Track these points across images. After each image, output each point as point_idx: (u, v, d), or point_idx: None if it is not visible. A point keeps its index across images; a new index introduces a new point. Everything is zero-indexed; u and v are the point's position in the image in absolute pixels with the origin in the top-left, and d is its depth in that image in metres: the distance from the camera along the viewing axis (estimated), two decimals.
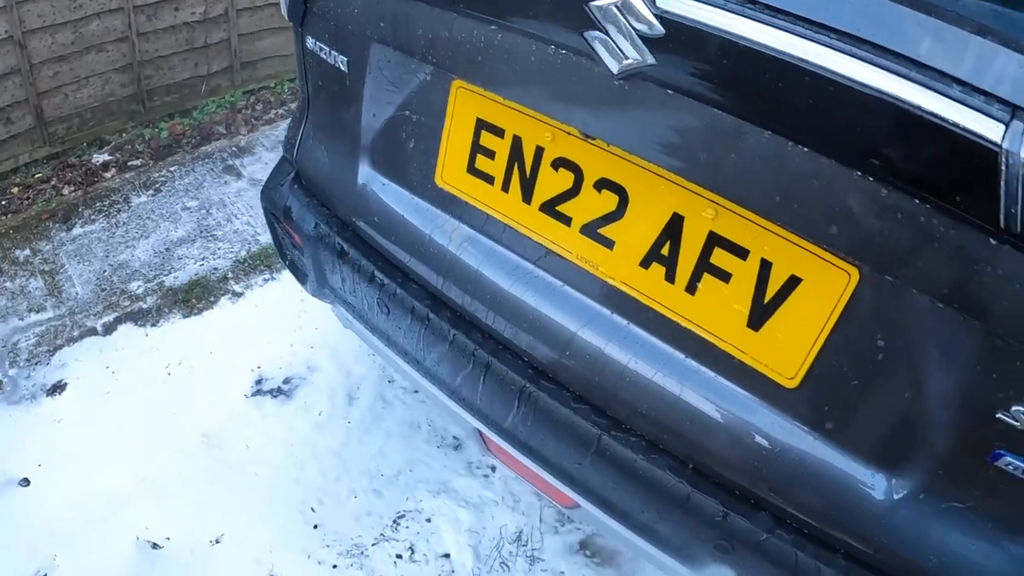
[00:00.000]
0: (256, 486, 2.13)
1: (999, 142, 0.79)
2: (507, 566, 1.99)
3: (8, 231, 3.02)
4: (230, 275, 2.84)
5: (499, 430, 1.45)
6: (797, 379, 1.10)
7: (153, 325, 2.64)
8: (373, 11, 1.36)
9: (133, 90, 3.57)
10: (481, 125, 1.31)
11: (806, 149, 0.91)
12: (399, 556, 1.99)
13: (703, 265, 1.12)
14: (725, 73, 0.94)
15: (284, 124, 3.70)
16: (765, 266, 1.07)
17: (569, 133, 1.17)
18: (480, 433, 1.58)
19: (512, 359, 1.38)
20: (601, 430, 1.28)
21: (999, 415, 0.93)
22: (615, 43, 0.98)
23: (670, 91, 0.98)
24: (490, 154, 1.32)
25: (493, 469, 2.20)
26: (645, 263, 1.17)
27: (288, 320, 2.61)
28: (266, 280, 2.83)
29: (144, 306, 2.71)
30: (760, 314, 1.10)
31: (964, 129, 0.81)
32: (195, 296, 2.75)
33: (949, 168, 0.84)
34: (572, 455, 1.34)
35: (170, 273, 2.85)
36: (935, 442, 1.01)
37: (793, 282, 1.05)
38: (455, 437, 2.30)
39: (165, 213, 3.15)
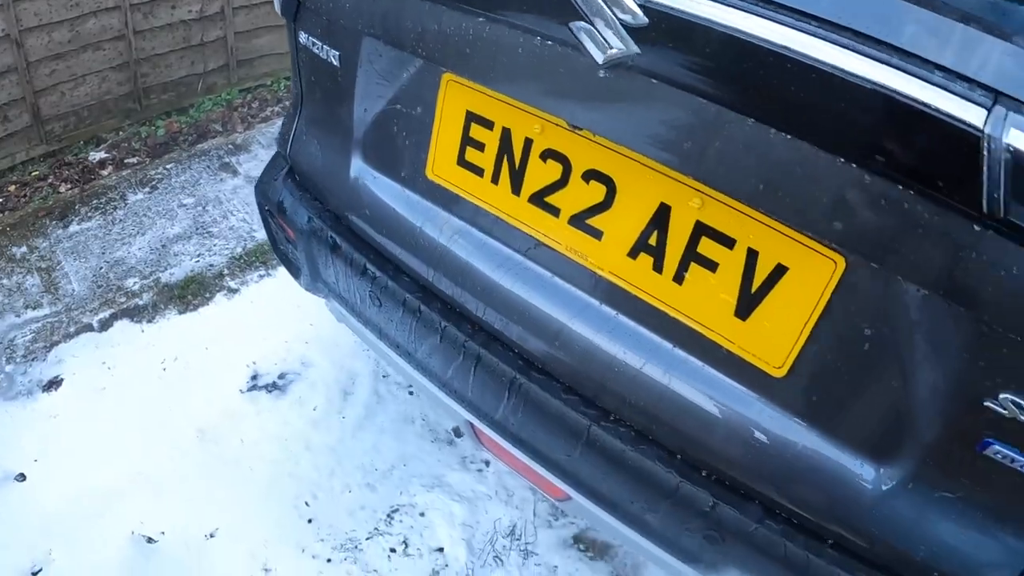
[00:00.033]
0: (251, 481, 2.13)
1: (981, 127, 0.79)
2: (501, 560, 1.99)
3: (5, 229, 3.02)
4: (226, 271, 2.85)
5: (490, 422, 1.46)
6: (785, 368, 1.10)
7: (149, 321, 2.65)
8: (364, 5, 1.36)
9: (130, 88, 3.58)
10: (471, 118, 1.32)
11: (789, 137, 0.92)
12: (393, 550, 2.00)
13: (690, 255, 1.12)
14: (708, 62, 0.94)
15: (280, 122, 3.69)
16: (751, 255, 1.07)
17: (557, 125, 1.18)
18: (472, 426, 1.59)
19: (502, 350, 1.39)
20: (591, 421, 1.29)
21: (987, 403, 0.93)
22: (600, 33, 0.99)
23: (655, 80, 0.99)
24: (480, 146, 1.32)
25: (487, 463, 2.21)
26: (633, 253, 1.18)
27: (283, 316, 2.62)
28: (261, 276, 2.84)
29: (140, 302, 2.72)
30: (747, 303, 1.10)
31: (946, 115, 0.81)
32: (191, 292, 2.76)
33: (932, 154, 0.85)
34: (562, 446, 1.35)
35: (166, 270, 2.86)
36: (924, 431, 1.01)
37: (780, 271, 1.06)
38: (449, 432, 2.30)
39: (161, 210, 3.15)
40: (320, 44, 1.52)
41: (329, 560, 1.97)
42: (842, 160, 0.89)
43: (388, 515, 2.07)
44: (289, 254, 1.86)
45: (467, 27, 1.20)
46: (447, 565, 1.98)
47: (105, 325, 2.63)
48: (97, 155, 3.49)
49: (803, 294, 1.04)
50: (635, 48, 0.96)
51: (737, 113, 0.94)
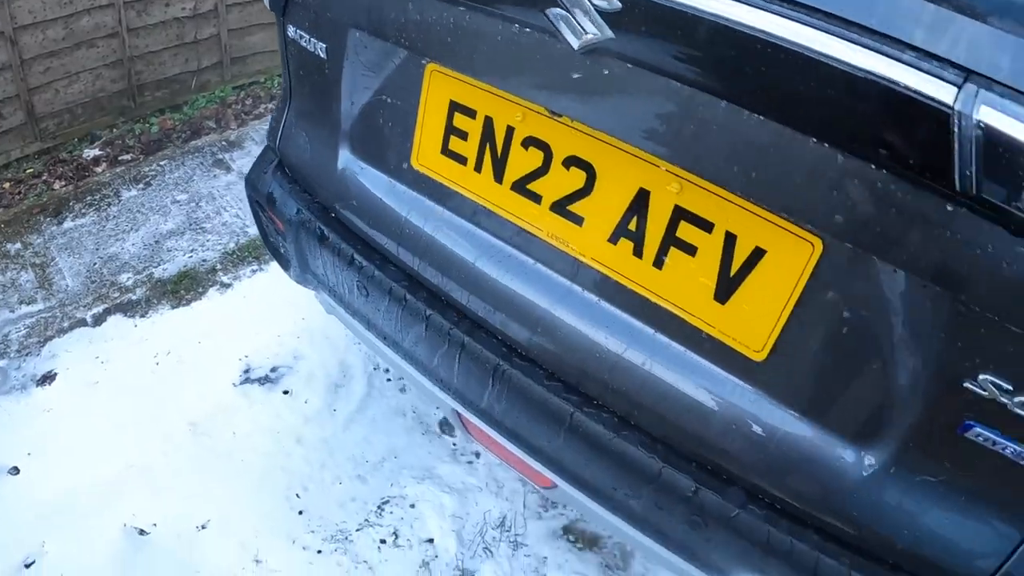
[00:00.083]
0: (242, 473, 2.14)
1: (951, 104, 0.80)
2: (490, 551, 2.00)
3: (0, 226, 3.03)
4: (218, 267, 2.86)
5: (476, 410, 1.46)
6: (764, 352, 1.11)
7: (142, 316, 2.66)
8: None
9: (124, 86, 3.59)
10: (454, 107, 1.33)
11: (761, 118, 0.92)
12: (383, 541, 2.01)
13: (669, 239, 1.13)
14: (679, 45, 0.95)
15: None
16: (730, 239, 1.08)
17: (538, 112, 1.19)
18: (459, 415, 1.59)
19: (486, 338, 1.40)
20: (573, 407, 1.29)
21: (967, 384, 0.93)
22: (575, 19, 1.00)
23: (629, 65, 1.00)
24: (463, 135, 1.33)
25: (477, 455, 2.22)
26: (613, 239, 1.19)
27: (276, 310, 2.63)
28: (254, 271, 2.85)
29: (133, 297, 2.73)
30: (726, 287, 1.11)
31: (916, 93, 0.81)
32: (184, 287, 2.77)
33: (903, 133, 0.85)
34: (546, 433, 1.35)
35: (159, 265, 2.87)
36: (904, 414, 1.01)
37: (758, 254, 1.06)
38: (440, 424, 2.31)
39: (155, 206, 3.17)
40: (308, 37, 1.53)
41: (319, 551, 1.98)
42: (814, 141, 0.90)
43: (378, 507, 2.08)
44: (279, 246, 1.87)
45: (448, 17, 1.22)
46: (437, 556, 1.99)
47: (98, 320, 2.64)
48: (91, 152, 3.50)
49: (781, 277, 1.05)
50: (609, 33, 0.97)
51: (709, 95, 0.95)
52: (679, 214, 1.11)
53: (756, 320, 1.10)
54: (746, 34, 0.89)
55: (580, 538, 2.05)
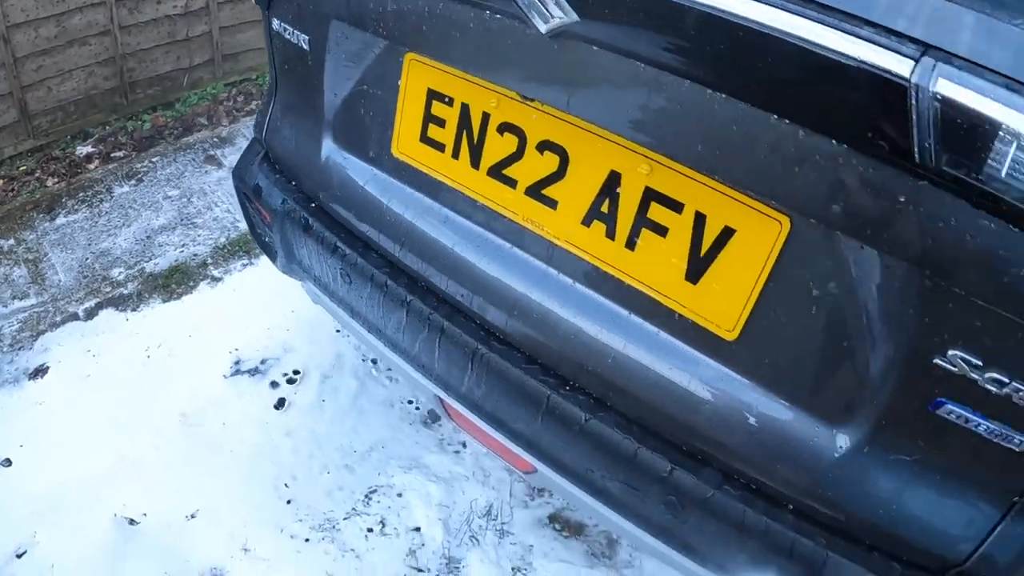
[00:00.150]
0: (232, 463, 2.16)
1: (908, 76, 0.81)
2: (477, 539, 2.02)
3: None
4: (209, 261, 2.88)
5: (457, 394, 1.48)
6: (736, 331, 1.12)
7: (133, 310, 2.68)
8: None
9: (116, 83, 3.61)
10: (432, 95, 1.35)
11: (724, 97, 0.94)
12: (370, 530, 2.02)
13: (641, 220, 1.14)
14: (642, 27, 0.97)
15: None
16: (699, 219, 1.09)
17: (511, 98, 1.21)
18: (442, 402, 1.61)
19: (465, 322, 1.41)
20: (550, 389, 1.31)
21: (936, 361, 0.94)
22: (543, 4, 1.02)
23: (595, 48, 1.01)
24: (441, 123, 1.35)
25: (464, 445, 2.24)
26: (587, 221, 1.20)
27: (266, 304, 2.64)
28: (244, 265, 2.87)
29: (125, 292, 2.75)
30: (697, 267, 1.12)
31: (874, 67, 0.83)
32: (175, 281, 2.79)
33: (862, 107, 0.86)
34: (524, 416, 1.36)
35: (151, 260, 2.89)
36: (876, 392, 1.02)
37: (727, 233, 1.07)
38: (427, 415, 2.33)
39: (147, 202, 3.18)
40: (291, 30, 1.55)
41: (307, 540, 1.99)
42: (775, 118, 0.92)
43: (366, 496, 2.10)
44: (266, 237, 1.89)
45: (424, 5, 1.24)
46: (423, 544, 2.00)
47: (90, 314, 2.65)
48: (84, 149, 3.52)
49: (751, 256, 1.06)
50: (575, 16, 0.99)
51: (673, 76, 0.97)
52: (649, 195, 1.12)
53: (727, 300, 1.11)
54: (706, 13, 0.90)
55: (566, 526, 2.07)
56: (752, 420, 1.14)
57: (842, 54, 0.84)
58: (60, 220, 3.08)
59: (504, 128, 1.25)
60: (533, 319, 1.31)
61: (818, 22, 0.85)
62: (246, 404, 2.33)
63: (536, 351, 1.34)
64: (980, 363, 0.91)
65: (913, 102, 0.81)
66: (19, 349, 2.51)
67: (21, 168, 3.38)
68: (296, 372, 2.43)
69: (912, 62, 0.81)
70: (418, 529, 2.03)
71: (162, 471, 2.13)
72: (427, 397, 1.76)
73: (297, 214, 1.67)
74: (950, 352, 0.92)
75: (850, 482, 1.08)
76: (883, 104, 0.84)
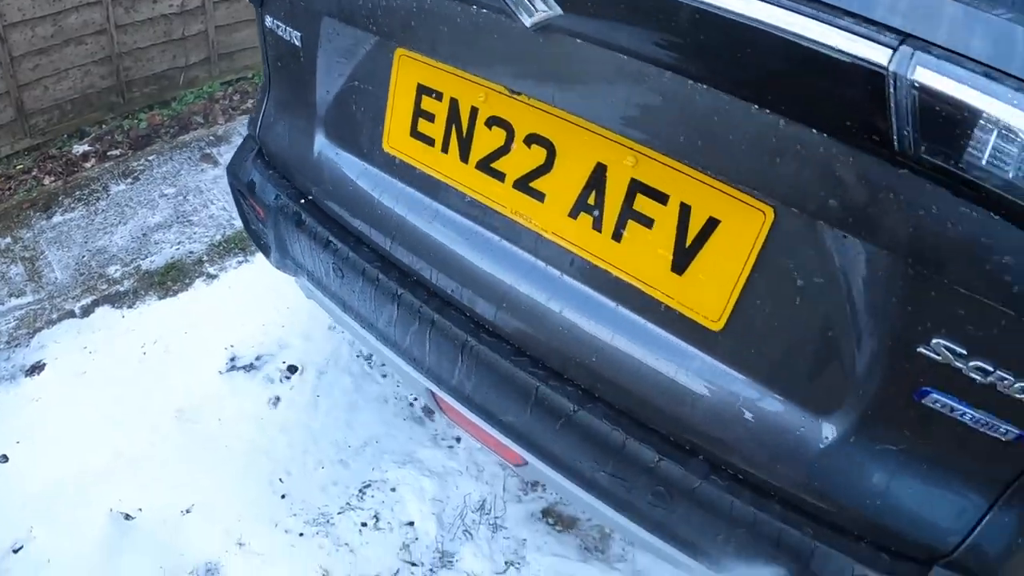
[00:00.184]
0: (227, 459, 2.17)
1: (886, 65, 0.82)
2: (470, 534, 2.03)
3: None
4: (205, 258, 2.89)
5: (448, 387, 1.49)
6: (722, 321, 1.12)
7: (129, 307, 2.69)
8: None
9: (112, 82, 3.62)
10: (422, 90, 1.36)
11: (705, 88, 0.95)
12: (364, 524, 2.03)
13: (627, 212, 1.15)
14: (623, 18, 0.98)
15: None
16: (684, 210, 1.10)
17: (499, 92, 1.22)
18: (435, 396, 1.62)
19: (455, 315, 1.42)
20: (539, 381, 1.31)
21: (920, 349, 0.94)
22: None
23: (579, 41, 1.02)
24: (430, 117, 1.36)
25: (458, 440, 2.25)
26: (573, 213, 1.21)
27: (261, 300, 2.66)
28: (240, 262, 2.88)
29: (121, 289, 2.76)
30: (683, 258, 1.13)
31: (852, 56, 0.83)
32: (171, 279, 2.80)
33: (841, 96, 0.87)
34: (514, 408, 1.37)
35: (147, 257, 2.90)
36: (862, 381, 1.02)
37: (712, 224, 1.08)
38: (422, 410, 2.34)
39: (143, 200, 3.20)
40: (284, 27, 1.56)
41: (301, 534, 2.01)
42: (756, 108, 0.92)
43: (360, 491, 2.11)
44: (259, 232, 1.90)
45: (411, 1, 1.25)
46: (417, 539, 2.01)
47: (87, 311, 2.66)
48: (80, 148, 3.52)
49: (735, 246, 1.06)
50: (558, 9, 1.00)
51: (655, 67, 0.97)
52: (635, 187, 1.13)
53: (712, 290, 1.11)
54: (686, 5, 0.91)
55: (559, 520, 2.08)
56: (738, 410, 1.14)
57: (821, 43, 0.85)
58: (57, 218, 3.09)
59: (492, 122, 1.26)
60: (521, 311, 1.32)
61: (797, 12, 0.86)
62: (241, 400, 2.34)
63: (524, 343, 1.34)
64: (964, 352, 0.92)
65: (891, 90, 0.82)
66: (16, 346, 2.52)
67: (18, 167, 3.39)
68: (291, 368, 2.44)
69: (890, 51, 0.82)
70: (412, 523, 2.04)
71: (158, 467, 2.14)
72: (420, 392, 1.77)
73: (290, 209, 1.68)
74: (934, 341, 0.93)
75: (837, 472, 1.09)
76: (862, 93, 0.84)
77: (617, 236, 1.18)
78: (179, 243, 2.97)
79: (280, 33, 1.58)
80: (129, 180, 3.31)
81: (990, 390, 0.92)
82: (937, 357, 0.93)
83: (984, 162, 0.80)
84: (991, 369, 0.91)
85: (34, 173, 3.36)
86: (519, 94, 1.18)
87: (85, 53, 3.45)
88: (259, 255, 2.76)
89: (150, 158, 3.45)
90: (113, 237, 2.99)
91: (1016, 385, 0.90)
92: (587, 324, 1.25)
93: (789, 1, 0.87)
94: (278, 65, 1.67)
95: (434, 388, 1.54)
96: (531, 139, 1.22)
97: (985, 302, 0.88)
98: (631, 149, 1.10)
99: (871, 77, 0.83)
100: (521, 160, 1.25)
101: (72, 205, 3.16)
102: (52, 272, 2.83)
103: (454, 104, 1.31)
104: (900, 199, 0.88)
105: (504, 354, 1.35)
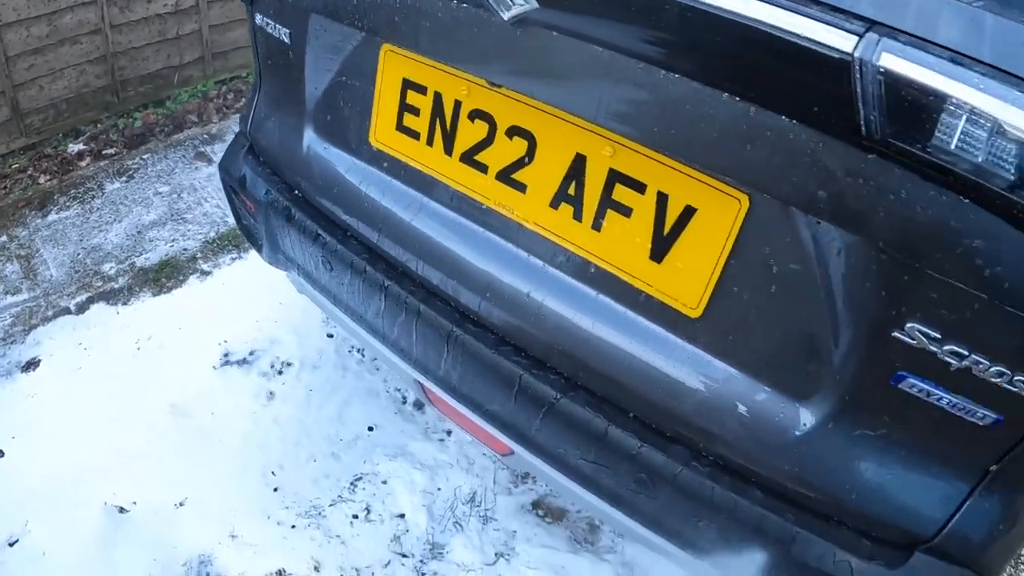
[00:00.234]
0: (220, 453, 2.19)
1: (851, 52, 0.84)
2: (460, 525, 2.05)
3: None
4: (199, 255, 2.92)
5: (435, 378, 1.51)
6: (700, 308, 1.14)
7: (124, 304, 2.71)
8: None
9: (107, 81, 3.63)
10: (407, 85, 1.38)
11: (677, 77, 0.97)
12: (355, 516, 2.05)
13: (606, 202, 1.17)
14: (596, 10, 1.00)
15: None
16: (662, 198, 1.11)
17: (481, 85, 1.24)
18: (423, 388, 1.64)
19: (441, 305, 1.44)
20: (522, 369, 1.33)
21: (895, 334, 0.95)
22: None
23: (555, 33, 1.04)
24: (415, 111, 1.38)
25: (448, 433, 2.27)
26: (554, 204, 1.23)
27: (254, 296, 2.68)
28: (233, 259, 2.90)
29: (116, 286, 2.78)
30: (661, 246, 1.15)
31: (818, 43, 0.85)
32: (165, 275, 2.82)
33: (808, 83, 0.88)
34: (499, 397, 1.40)
35: (141, 254, 2.92)
36: (839, 367, 1.03)
37: (689, 212, 1.10)
38: (412, 404, 2.36)
39: (138, 198, 3.22)
40: (273, 24, 1.58)
41: (293, 526, 2.02)
42: (727, 95, 0.94)
43: (351, 483, 2.13)
44: (251, 227, 1.92)
45: None
46: (408, 530, 2.03)
47: (82, 308, 2.68)
48: (75, 147, 3.54)
49: (712, 234, 1.08)
50: (535, 3, 1.02)
51: (629, 58, 0.99)
52: (614, 177, 1.15)
53: (690, 278, 1.13)
54: None
55: (549, 512, 2.10)
56: (718, 397, 1.16)
57: (788, 31, 0.87)
58: (52, 217, 3.11)
59: (475, 115, 1.28)
60: (505, 301, 1.34)
61: (766, 1, 0.88)
62: (235, 395, 2.36)
63: (508, 332, 1.36)
64: (938, 336, 0.93)
65: (858, 76, 0.84)
66: (12, 343, 2.54)
67: (13, 166, 3.41)
68: (284, 363, 2.46)
69: (856, 38, 0.84)
70: (403, 515, 2.06)
71: (152, 461, 2.16)
72: (410, 384, 1.79)
73: (280, 204, 1.70)
74: (908, 325, 0.94)
75: (816, 458, 1.10)
76: (829, 80, 0.86)
77: (597, 226, 1.20)
78: (173, 240, 2.99)
79: (269, 30, 1.60)
80: (124, 178, 3.33)
81: (966, 374, 0.93)
82: (912, 341, 0.94)
83: (953, 146, 0.81)
84: (966, 353, 0.92)
85: (29, 172, 3.38)
86: (500, 87, 1.20)
87: (80, 53, 3.46)
88: (252, 252, 2.79)
89: (145, 157, 3.47)
90: (108, 235, 3.01)
91: (992, 369, 0.91)
92: (569, 313, 1.27)
93: None
94: (268, 62, 1.69)
95: (422, 379, 1.56)
96: (513, 131, 1.24)
97: (957, 286, 0.89)
98: (609, 139, 1.12)
99: (838, 64, 0.85)
100: (503, 152, 1.27)
101: (67, 203, 3.18)
102: (48, 270, 2.85)
103: (438, 98, 1.33)
104: (870, 184, 0.89)
105: (488, 344, 1.37)
